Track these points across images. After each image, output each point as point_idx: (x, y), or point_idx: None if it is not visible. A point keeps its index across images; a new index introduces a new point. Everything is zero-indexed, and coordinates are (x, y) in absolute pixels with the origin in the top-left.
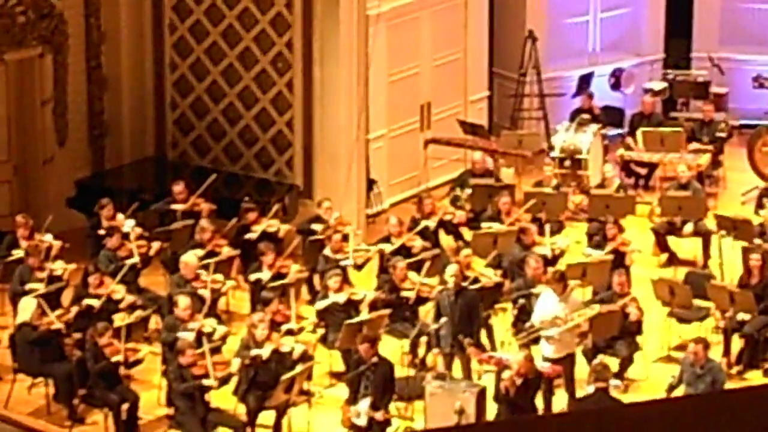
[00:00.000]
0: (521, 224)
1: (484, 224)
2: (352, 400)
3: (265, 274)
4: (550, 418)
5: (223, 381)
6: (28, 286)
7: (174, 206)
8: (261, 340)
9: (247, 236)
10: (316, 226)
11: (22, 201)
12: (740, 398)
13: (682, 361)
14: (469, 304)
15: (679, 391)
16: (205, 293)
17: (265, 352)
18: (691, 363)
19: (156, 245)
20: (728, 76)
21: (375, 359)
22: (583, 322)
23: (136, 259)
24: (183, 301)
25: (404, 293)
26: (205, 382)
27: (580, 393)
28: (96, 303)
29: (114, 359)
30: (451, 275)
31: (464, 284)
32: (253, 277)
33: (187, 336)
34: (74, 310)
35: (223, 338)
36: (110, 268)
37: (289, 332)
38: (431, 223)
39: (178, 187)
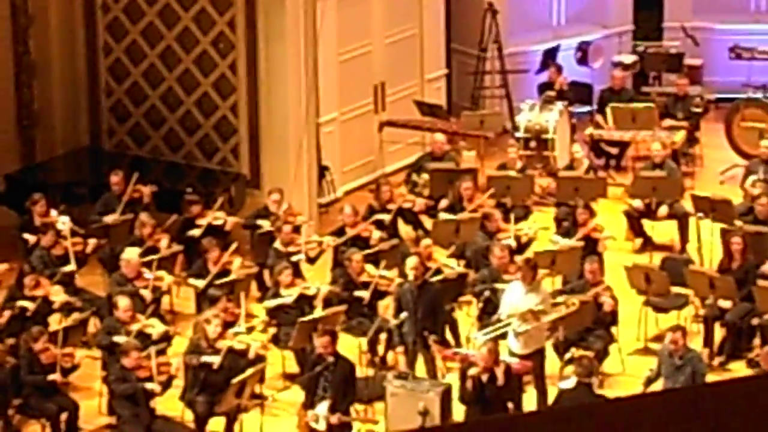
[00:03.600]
0: (485, 210)
1: (441, 215)
2: (309, 403)
3: (202, 282)
4: (524, 417)
5: (165, 384)
6: None
7: (107, 219)
8: (214, 337)
9: (191, 232)
10: (264, 222)
11: None
12: (724, 391)
13: (659, 353)
14: (432, 299)
15: (658, 385)
16: (146, 293)
17: (216, 359)
18: (669, 353)
19: (92, 242)
20: (703, 47)
21: (332, 359)
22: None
23: (72, 267)
24: (123, 302)
25: (358, 293)
26: (148, 385)
27: (553, 389)
28: (31, 305)
29: (50, 378)
30: (412, 268)
31: (426, 277)
32: (193, 282)
33: (125, 339)
34: (7, 314)
35: (167, 338)
36: (45, 268)
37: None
38: (386, 216)
39: (116, 177)
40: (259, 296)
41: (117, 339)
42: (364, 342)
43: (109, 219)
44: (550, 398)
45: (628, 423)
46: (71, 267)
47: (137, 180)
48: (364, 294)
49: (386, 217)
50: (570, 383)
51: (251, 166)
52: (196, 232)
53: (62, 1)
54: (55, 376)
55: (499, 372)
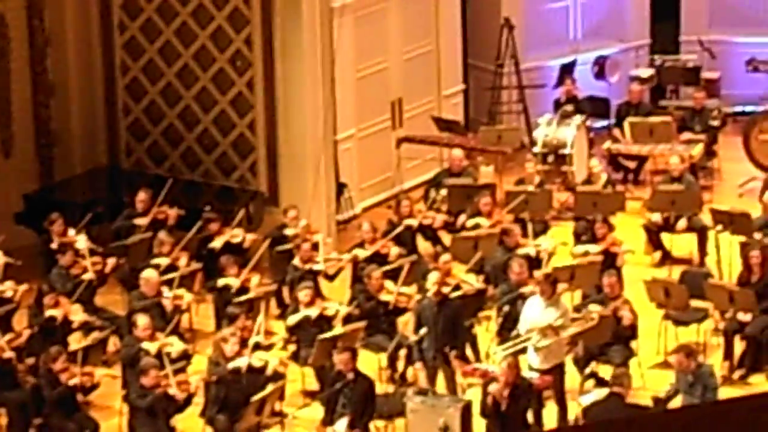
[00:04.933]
0: (503, 225)
1: (469, 222)
2: (329, 420)
3: (231, 281)
4: None
5: (186, 402)
6: None
7: (137, 221)
8: (231, 356)
9: (211, 244)
10: (289, 231)
11: None
12: (744, 407)
13: (675, 369)
14: (453, 314)
15: (677, 401)
16: (167, 302)
17: (242, 362)
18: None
19: (112, 261)
20: (720, 60)
21: (352, 375)
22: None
23: (91, 274)
24: (142, 321)
25: (384, 297)
26: (171, 390)
27: (573, 404)
28: (58, 313)
29: (71, 382)
30: (434, 283)
31: (446, 292)
32: (220, 282)
33: (146, 359)
34: (26, 333)
35: (186, 357)
36: (66, 287)
37: (257, 347)
38: (413, 221)
39: (143, 195)
40: (278, 313)
41: (144, 345)
42: (384, 358)
43: (128, 239)
44: (570, 413)
45: None
46: (90, 275)
47: (164, 199)
48: (390, 297)
49: (413, 222)
50: (591, 398)
51: (269, 183)
52: (216, 245)
53: (79, 20)
54: (76, 381)
55: (505, 392)
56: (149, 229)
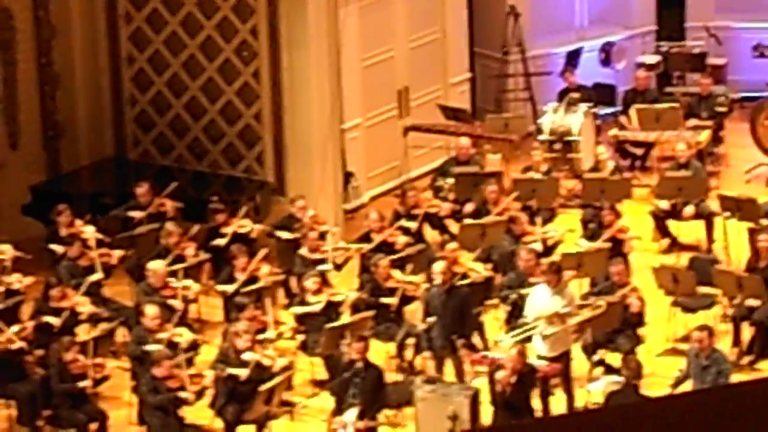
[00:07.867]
0: (510, 213)
1: (466, 220)
2: (338, 410)
3: (230, 287)
4: (551, 421)
5: (198, 395)
6: None
7: (132, 213)
8: (242, 349)
9: (217, 241)
10: (285, 234)
11: None
12: (753, 391)
13: (688, 353)
14: (461, 303)
15: (687, 385)
16: (176, 303)
17: (243, 372)
18: (695, 354)
19: (118, 253)
20: (726, 46)
21: (361, 365)
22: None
23: (99, 275)
24: (151, 310)
25: (386, 300)
26: (182, 394)
27: (581, 391)
28: (56, 321)
29: (82, 384)
30: (439, 272)
31: (454, 281)
32: (221, 288)
33: (156, 348)
34: (30, 324)
35: (195, 347)
36: (71, 280)
37: (267, 341)
38: (413, 224)
39: (142, 189)
40: (286, 303)
41: (148, 347)
42: (393, 347)
43: (135, 230)
44: (578, 400)
45: (657, 424)
46: (99, 275)
47: (168, 195)
48: (392, 300)
49: (413, 225)
50: (599, 385)
51: (276, 173)
52: (221, 242)
53: (85, 12)
54: (87, 383)
55: (512, 380)
56: (149, 222)
